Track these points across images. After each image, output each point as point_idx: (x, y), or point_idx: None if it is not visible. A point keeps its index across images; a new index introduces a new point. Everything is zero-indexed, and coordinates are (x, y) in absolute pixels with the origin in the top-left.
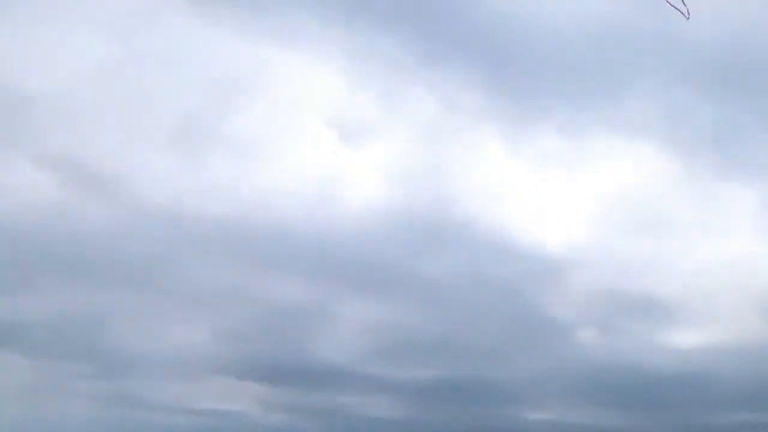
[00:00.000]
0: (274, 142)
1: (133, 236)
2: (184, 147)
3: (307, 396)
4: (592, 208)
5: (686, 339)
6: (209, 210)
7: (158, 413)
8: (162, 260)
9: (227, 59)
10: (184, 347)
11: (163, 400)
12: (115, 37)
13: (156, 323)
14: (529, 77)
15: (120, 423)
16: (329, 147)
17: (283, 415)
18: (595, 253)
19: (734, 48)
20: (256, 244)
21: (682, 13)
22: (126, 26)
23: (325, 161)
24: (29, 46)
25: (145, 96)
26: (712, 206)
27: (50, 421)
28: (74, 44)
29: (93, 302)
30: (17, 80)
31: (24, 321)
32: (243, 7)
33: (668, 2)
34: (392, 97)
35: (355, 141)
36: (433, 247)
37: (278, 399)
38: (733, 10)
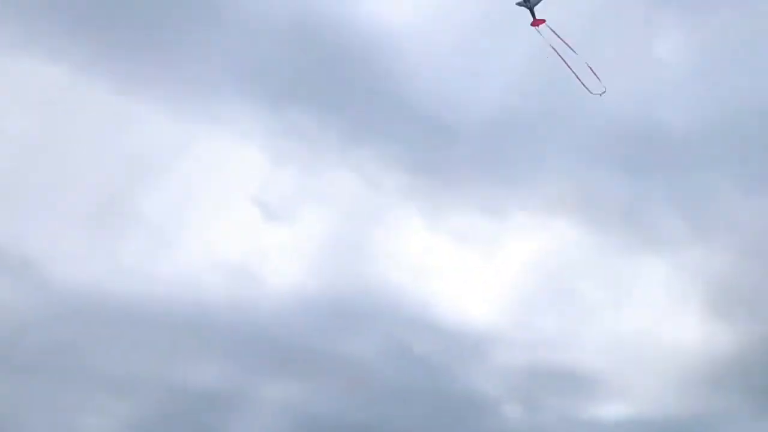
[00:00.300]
0: (194, 220)
1: (46, 319)
2: (100, 226)
3: None
4: (512, 284)
5: (607, 412)
6: (126, 292)
7: None
8: (76, 345)
9: (147, 136)
10: None
11: None
12: (31, 114)
13: (70, 412)
14: (448, 156)
15: None
16: (252, 225)
17: None
18: (517, 328)
19: (643, 125)
20: (174, 326)
21: (592, 91)
22: (42, 103)
23: (247, 239)
24: None
25: (61, 174)
26: (626, 280)
27: None
28: None
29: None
30: None
31: None
32: (164, 84)
33: (581, 82)
34: (315, 175)
35: (277, 219)
36: (356, 326)
37: None
38: (640, 87)
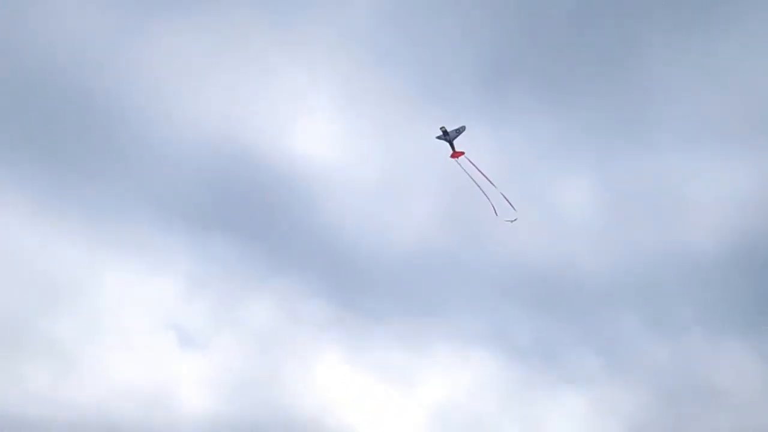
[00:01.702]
0: (107, 345)
1: None
2: (7, 349)
3: None
4: (430, 416)
5: None
6: (33, 416)
7: None
8: None
9: (64, 261)
10: None
11: None
12: None
13: None
14: (370, 289)
15: None
16: (167, 351)
17: None
18: None
19: (555, 266)
20: None
21: (504, 218)
22: None
23: (162, 365)
24: None
25: None
26: (544, 414)
27: None
28: None
29: None
30: None
31: None
32: (81, 208)
33: (493, 209)
34: (233, 303)
35: (194, 345)
36: None
37: None
38: (551, 229)
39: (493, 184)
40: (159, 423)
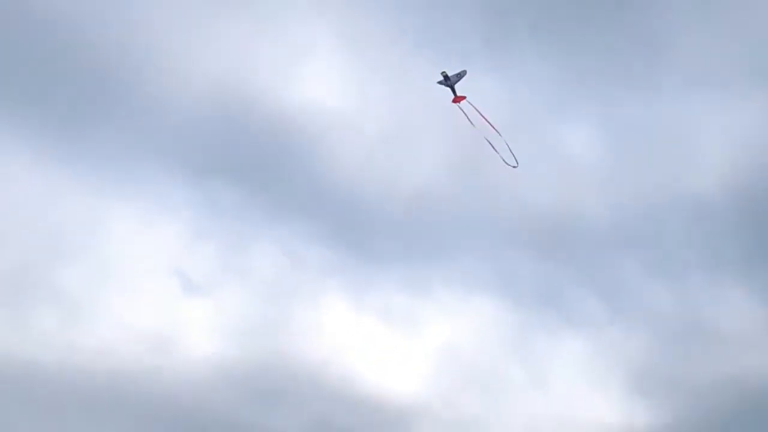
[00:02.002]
0: (113, 292)
1: None
2: (13, 296)
3: None
4: (434, 360)
5: None
6: (38, 362)
7: None
8: None
9: (67, 209)
10: None
11: None
12: None
13: None
14: (373, 235)
15: None
16: (172, 297)
17: None
18: (439, 404)
19: (556, 209)
20: (89, 396)
21: (509, 163)
22: None
23: (167, 311)
24: None
25: None
26: (547, 358)
27: None
28: None
29: None
30: None
31: None
32: (83, 156)
33: (496, 152)
34: (237, 249)
35: (198, 291)
36: (277, 400)
37: None
38: (553, 173)
39: (495, 129)
40: (165, 367)
